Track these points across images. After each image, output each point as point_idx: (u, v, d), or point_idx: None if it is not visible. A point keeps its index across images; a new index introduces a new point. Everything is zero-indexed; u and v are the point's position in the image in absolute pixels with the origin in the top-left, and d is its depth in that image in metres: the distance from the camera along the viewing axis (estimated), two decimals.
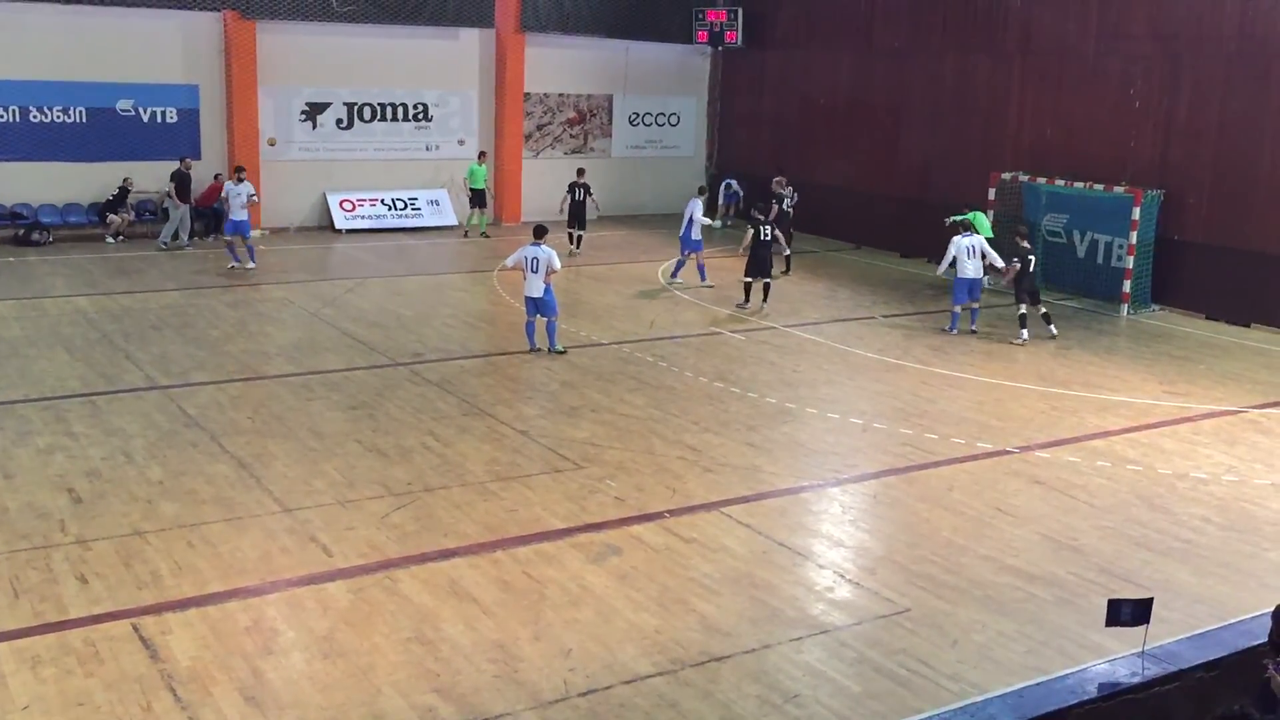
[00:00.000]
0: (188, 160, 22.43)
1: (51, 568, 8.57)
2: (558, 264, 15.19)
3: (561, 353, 15.33)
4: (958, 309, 17.62)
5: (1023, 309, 16.98)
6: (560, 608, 8.23)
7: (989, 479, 11.27)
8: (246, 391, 13.46)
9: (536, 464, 11.21)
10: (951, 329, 17.57)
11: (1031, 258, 17.12)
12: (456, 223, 25.99)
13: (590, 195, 23.50)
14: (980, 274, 17.45)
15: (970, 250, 17.29)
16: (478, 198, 25.45)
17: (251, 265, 20.47)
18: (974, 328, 17.62)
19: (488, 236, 25.55)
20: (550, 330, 15.43)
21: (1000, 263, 17.34)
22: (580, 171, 24.02)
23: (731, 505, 10.31)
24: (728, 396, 13.75)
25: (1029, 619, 8.32)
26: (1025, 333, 16.96)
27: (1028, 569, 9.18)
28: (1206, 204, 19.32)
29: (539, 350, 15.38)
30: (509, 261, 15.71)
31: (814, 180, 23.90)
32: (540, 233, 15.37)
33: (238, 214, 20.45)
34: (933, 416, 13.26)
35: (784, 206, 20.77)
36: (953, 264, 17.39)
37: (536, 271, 15.05)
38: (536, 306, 15.30)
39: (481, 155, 25.76)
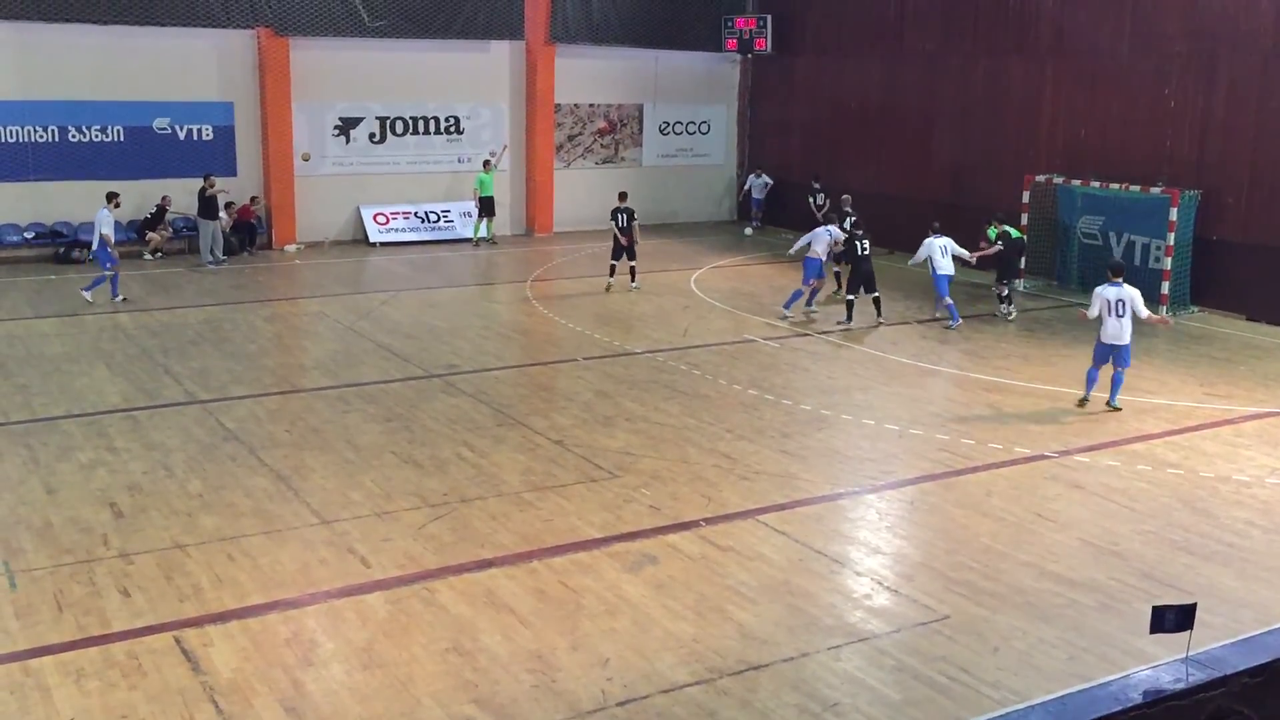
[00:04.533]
0: (211, 178, 22.60)
1: (95, 581, 8.67)
2: (1142, 307, 13.47)
3: (1118, 409, 13.54)
4: (950, 301, 18.30)
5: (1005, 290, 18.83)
6: (597, 617, 8.24)
7: (1028, 484, 11.17)
8: (284, 405, 13.57)
9: (572, 474, 11.23)
10: (955, 322, 18.16)
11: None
12: (490, 235, 26.07)
13: (634, 220, 20.66)
14: (953, 270, 18.29)
15: (944, 249, 18.20)
16: (486, 206, 25.57)
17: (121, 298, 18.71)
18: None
19: (495, 244, 25.67)
20: (1117, 382, 13.61)
21: (968, 255, 18.44)
22: (623, 195, 21.18)
23: (767, 513, 10.28)
24: (762, 404, 13.72)
25: (1070, 625, 8.23)
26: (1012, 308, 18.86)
27: (1068, 574, 9.09)
28: (1245, 203, 19.08)
29: (1086, 401, 13.66)
30: (1090, 313, 13.61)
31: (846, 185, 23.75)
32: (1118, 270, 13.71)
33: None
34: (969, 422, 13.16)
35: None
36: (926, 261, 18.32)
37: (1123, 315, 13.33)
38: (1115, 354, 13.50)
39: (486, 163, 25.80)
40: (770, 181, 28.42)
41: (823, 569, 9.18)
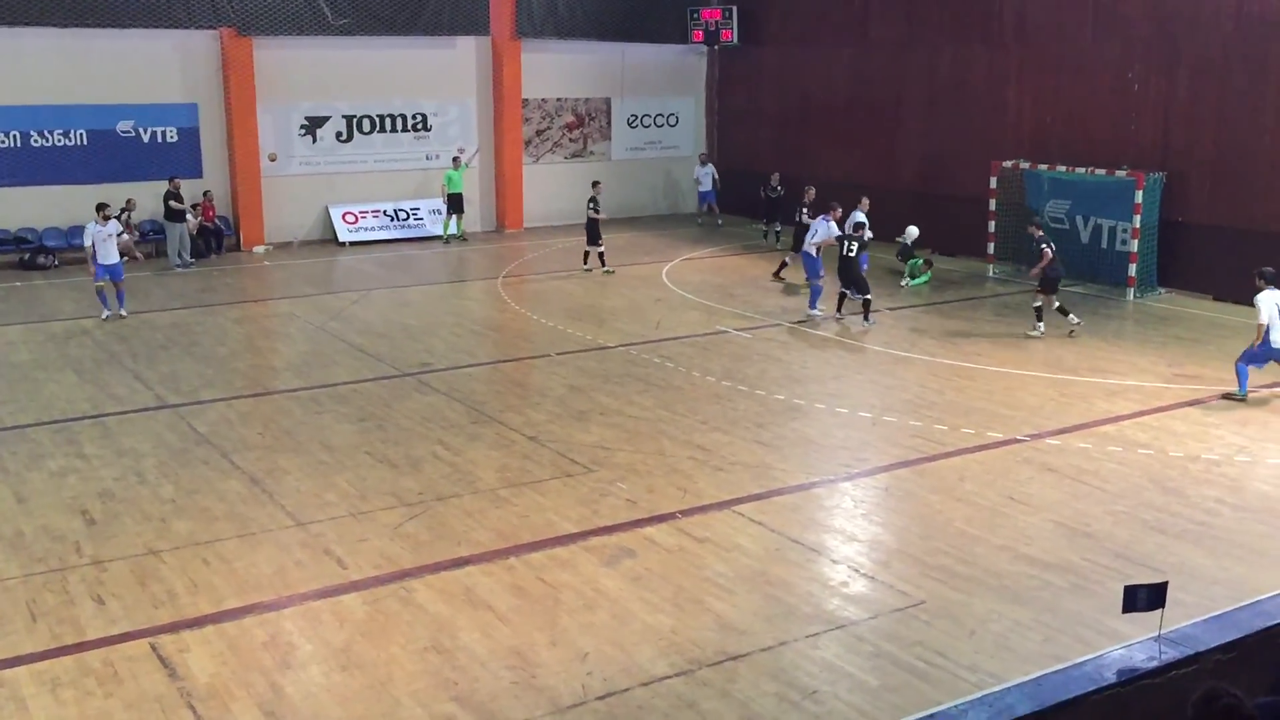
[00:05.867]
0: (176, 180, 22.41)
1: (68, 590, 8.60)
2: None
3: None
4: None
5: (1038, 302, 16.83)
6: (575, 612, 8.24)
7: (1000, 468, 11.25)
8: (256, 407, 13.49)
9: (547, 469, 11.22)
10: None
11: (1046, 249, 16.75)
12: (460, 232, 25.95)
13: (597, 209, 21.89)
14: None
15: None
16: (454, 203, 25.45)
17: (123, 313, 17.91)
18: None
19: (465, 241, 25.59)
20: None
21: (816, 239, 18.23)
22: (595, 184, 22.60)
23: (743, 504, 10.31)
24: (735, 395, 13.75)
25: (1045, 607, 8.31)
26: (1041, 325, 16.80)
27: (1042, 557, 9.17)
28: (1209, 185, 19.27)
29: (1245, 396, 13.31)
30: (1262, 319, 13.24)
31: (814, 176, 23.84)
32: (1274, 277, 13.38)
33: (108, 257, 17.62)
34: (942, 408, 13.24)
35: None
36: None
37: None
38: (1277, 355, 13.37)
39: (456, 160, 25.68)
40: (715, 172, 27.89)
41: (799, 558, 9.22)
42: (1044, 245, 16.78)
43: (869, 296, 17.64)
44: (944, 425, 12.55)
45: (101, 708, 6.99)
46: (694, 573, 8.88)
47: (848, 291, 17.69)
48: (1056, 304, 16.93)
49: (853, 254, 17.59)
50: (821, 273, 18.16)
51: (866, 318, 17.53)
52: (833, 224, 18.30)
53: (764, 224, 25.44)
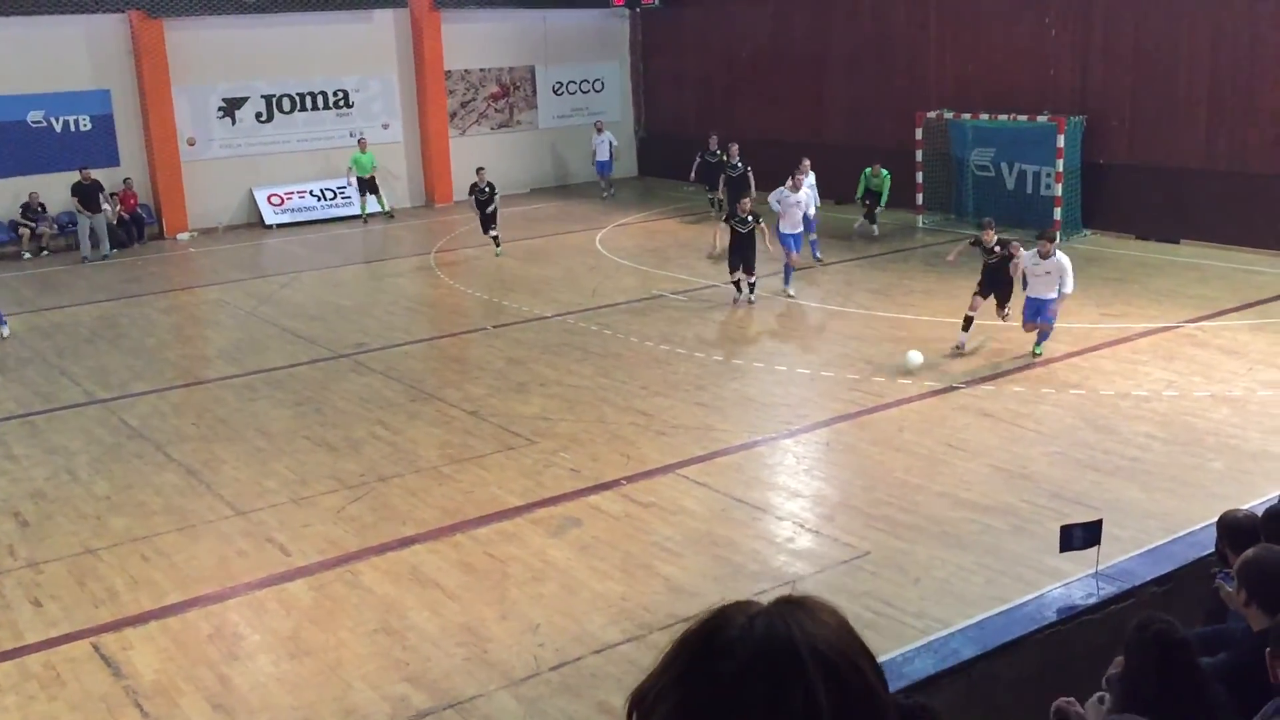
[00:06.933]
0: (87, 171, 21.76)
1: (4, 594, 8.42)
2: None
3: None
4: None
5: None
6: (524, 584, 8.23)
7: (938, 416, 11.40)
8: (188, 397, 13.26)
9: (489, 443, 11.17)
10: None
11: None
12: (384, 209, 25.51)
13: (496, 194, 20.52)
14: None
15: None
16: (367, 185, 24.69)
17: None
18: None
19: (392, 217, 25.06)
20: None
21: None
22: (479, 170, 20.96)
23: (687, 466, 10.35)
24: (674, 358, 13.77)
25: (986, 550, 8.45)
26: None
27: (982, 501, 9.32)
28: (1128, 126, 19.56)
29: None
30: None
31: (743, 134, 23.82)
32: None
33: None
34: (879, 360, 13.37)
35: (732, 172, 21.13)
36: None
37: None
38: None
39: (361, 142, 24.76)
40: (614, 140, 27.10)
41: (744, 517, 9.29)
42: (1013, 241, 14.75)
43: (753, 280, 16.15)
44: (881, 377, 12.68)
45: (46, 711, 6.87)
46: (641, 538, 8.91)
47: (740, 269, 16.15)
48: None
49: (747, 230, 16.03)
50: (794, 250, 17.01)
51: (750, 296, 16.15)
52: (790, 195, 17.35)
53: (708, 190, 23.98)
